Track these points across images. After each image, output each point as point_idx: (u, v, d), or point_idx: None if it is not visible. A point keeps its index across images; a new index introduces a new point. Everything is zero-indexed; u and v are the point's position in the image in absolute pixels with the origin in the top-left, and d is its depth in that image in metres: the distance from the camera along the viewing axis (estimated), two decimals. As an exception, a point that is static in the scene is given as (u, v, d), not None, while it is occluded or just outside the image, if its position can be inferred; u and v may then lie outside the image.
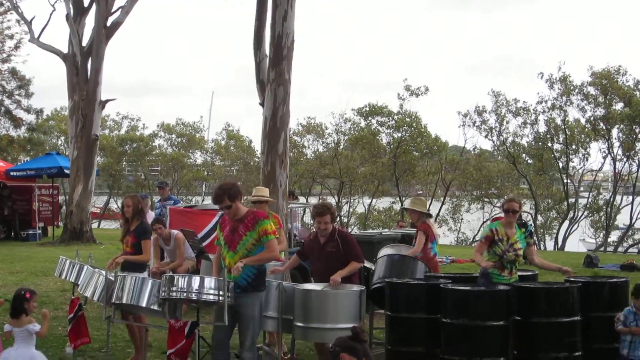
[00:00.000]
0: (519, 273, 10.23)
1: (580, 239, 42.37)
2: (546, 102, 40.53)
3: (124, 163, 56.64)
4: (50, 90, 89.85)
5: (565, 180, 42.35)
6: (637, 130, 39.04)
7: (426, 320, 9.30)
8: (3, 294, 9.31)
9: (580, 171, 43.54)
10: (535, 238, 34.07)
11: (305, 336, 9.38)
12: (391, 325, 9.57)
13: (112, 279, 9.19)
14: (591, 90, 39.25)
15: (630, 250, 39.84)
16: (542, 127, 41.54)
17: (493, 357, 8.80)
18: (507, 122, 41.89)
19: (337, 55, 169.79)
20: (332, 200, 41.95)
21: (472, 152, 45.48)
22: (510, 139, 42.20)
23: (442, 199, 45.42)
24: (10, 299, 9.02)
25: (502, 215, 10.12)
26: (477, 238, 40.02)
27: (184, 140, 57.53)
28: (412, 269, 10.59)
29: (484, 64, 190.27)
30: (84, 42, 30.68)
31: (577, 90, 39.52)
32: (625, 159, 40.67)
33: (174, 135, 57.78)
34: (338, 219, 42.96)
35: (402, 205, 42.54)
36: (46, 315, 8.79)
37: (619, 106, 39.19)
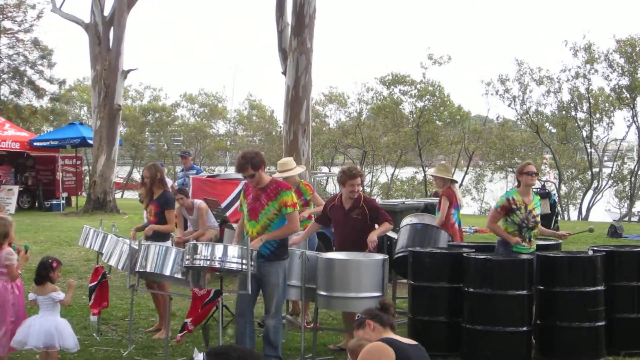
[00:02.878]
0: (543, 242, 10.20)
1: (605, 209, 42.07)
2: (570, 70, 40.18)
3: (147, 133, 56.79)
4: (73, 60, 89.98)
5: (589, 150, 42.03)
6: (662, 99, 38.71)
7: (448, 290, 9.30)
8: (27, 263, 9.34)
9: (604, 140, 43.23)
10: (558, 208, 33.84)
11: (328, 305, 9.39)
12: (413, 294, 9.57)
13: (136, 247, 9.22)
14: (616, 57, 38.85)
15: (655, 220, 39.58)
16: (565, 96, 41.19)
17: (515, 326, 8.80)
18: (531, 91, 41.57)
19: (358, 23, 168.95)
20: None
21: (495, 122, 45.23)
22: (533, 107, 41.88)
23: (465, 168, 45.28)
24: (34, 269, 9.07)
25: (518, 183, 9.97)
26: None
27: (206, 111, 57.56)
28: (435, 237, 10.57)
29: (508, 32, 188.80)
30: (106, 12, 30.64)
31: (601, 58, 39.12)
32: (650, 128, 40.31)
33: (196, 105, 57.84)
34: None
35: (424, 174, 42.50)
36: (72, 285, 8.84)
37: (644, 74, 38.75)
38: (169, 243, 10.03)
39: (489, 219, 10.05)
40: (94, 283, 10.18)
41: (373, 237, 9.50)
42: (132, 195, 49.54)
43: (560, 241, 11.13)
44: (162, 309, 10.61)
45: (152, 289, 10.36)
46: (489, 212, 11.43)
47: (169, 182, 15.99)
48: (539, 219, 9.79)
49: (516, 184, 10.00)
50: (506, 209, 9.69)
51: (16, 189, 29.84)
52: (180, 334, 8.95)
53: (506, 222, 9.73)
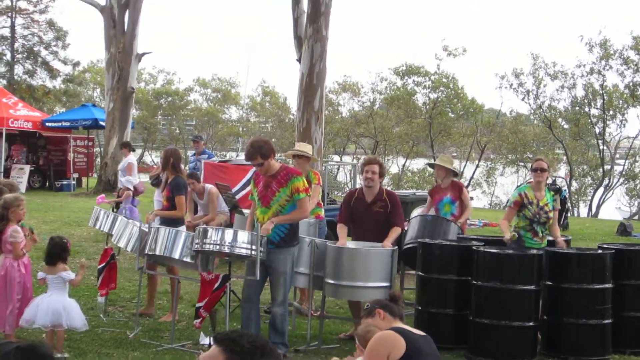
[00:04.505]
0: (552, 239, 10.18)
1: (616, 207, 41.94)
2: (585, 66, 40.02)
3: (159, 117, 56.90)
4: (87, 42, 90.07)
5: (601, 147, 41.88)
6: (676, 97, 38.52)
7: (457, 282, 9.30)
8: (39, 239, 9.39)
9: (617, 137, 43.05)
10: (569, 204, 33.80)
11: (336, 294, 9.41)
12: (422, 286, 9.57)
13: (146, 230, 9.23)
14: (631, 54, 38.67)
15: (665, 219, 39.45)
16: (579, 92, 41.04)
17: (522, 321, 8.80)
18: (545, 86, 41.45)
19: (373, 13, 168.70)
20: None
21: (508, 115, 45.13)
22: (547, 102, 41.76)
23: (476, 161, 45.20)
24: (43, 248, 9.10)
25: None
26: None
27: (219, 96, 57.60)
28: (445, 229, 10.54)
29: (523, 26, 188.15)
30: (122, -5, 30.67)
31: (617, 55, 38.94)
32: (663, 127, 40.16)
33: (209, 90, 57.87)
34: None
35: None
36: (84, 265, 8.88)
37: (659, 72, 38.59)
38: (182, 229, 9.99)
39: (504, 216, 10.14)
40: (103, 264, 10.21)
41: (388, 245, 9.46)
42: (143, 178, 49.58)
43: (570, 237, 11.13)
44: (152, 293, 10.68)
45: (153, 270, 10.38)
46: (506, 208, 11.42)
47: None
48: (551, 214, 9.80)
49: (528, 178, 10.01)
50: (519, 205, 9.72)
51: (27, 168, 29.93)
52: (197, 321, 8.92)
53: (518, 217, 9.76)
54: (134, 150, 18.90)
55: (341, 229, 10.04)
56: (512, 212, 9.86)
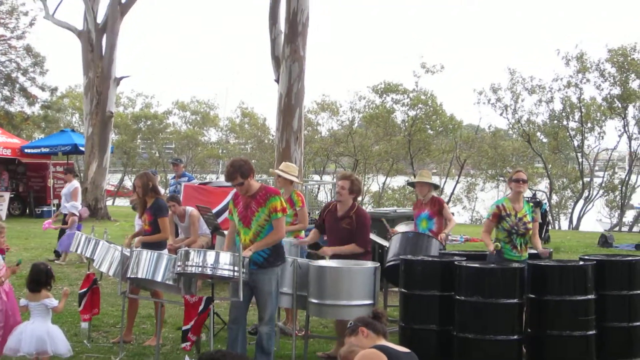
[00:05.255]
0: (534, 251, 10.22)
1: (597, 219, 42.18)
2: (562, 79, 40.32)
3: (139, 140, 56.81)
4: (65, 67, 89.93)
5: (580, 159, 42.16)
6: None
7: (440, 298, 9.29)
8: (17, 263, 9.33)
9: (595, 150, 43.40)
10: (549, 217, 33.92)
11: (320, 313, 9.40)
12: (405, 302, 9.56)
13: (128, 254, 9.21)
14: (608, 67, 38.96)
15: (646, 230, 39.67)
16: (557, 105, 41.38)
17: (506, 334, 8.80)
18: (523, 100, 41.75)
19: (351, 32, 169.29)
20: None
21: (487, 130, 45.32)
22: (525, 117, 42.03)
23: (456, 177, 45.35)
24: (24, 275, 9.05)
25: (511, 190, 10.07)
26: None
27: (198, 118, 57.61)
28: (427, 246, 10.56)
29: (500, 41, 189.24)
30: (99, 19, 30.69)
31: (593, 68, 39.24)
32: (641, 138, 40.43)
33: (188, 113, 57.87)
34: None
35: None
36: (66, 293, 8.81)
37: (635, 84, 38.91)
38: (165, 252, 9.96)
39: (483, 229, 10.15)
40: (85, 289, 10.17)
41: (327, 250, 9.56)
42: (123, 202, 49.48)
43: (552, 250, 11.17)
44: (132, 318, 10.63)
45: (135, 294, 10.33)
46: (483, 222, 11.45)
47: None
48: (530, 226, 9.87)
49: (507, 192, 10.06)
50: (497, 217, 9.79)
51: (7, 195, 29.79)
52: (187, 344, 8.83)
53: (497, 229, 9.82)
54: (77, 176, 18.94)
55: (313, 232, 10.35)
56: (490, 224, 9.91)
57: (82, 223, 17.50)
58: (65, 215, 17.74)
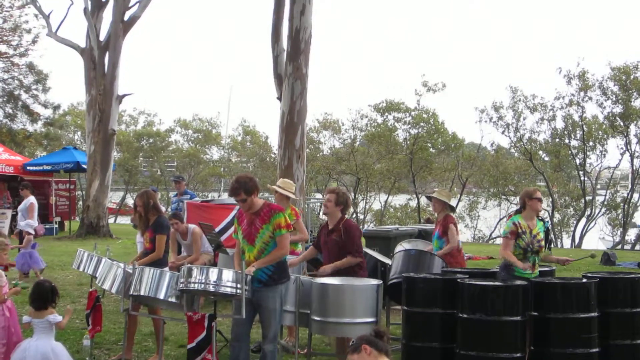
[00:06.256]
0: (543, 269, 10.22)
1: (599, 237, 42.12)
2: (564, 98, 40.35)
3: (140, 158, 56.86)
4: (67, 84, 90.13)
5: (582, 178, 42.15)
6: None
7: (442, 316, 9.27)
8: (21, 287, 9.32)
9: (597, 168, 43.35)
10: (552, 236, 33.91)
11: (322, 330, 9.37)
12: (407, 320, 9.54)
13: (130, 271, 9.20)
14: (610, 85, 38.98)
15: (648, 248, 39.60)
16: (559, 124, 41.40)
17: (509, 352, 8.78)
18: (524, 119, 41.78)
19: (354, 50, 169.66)
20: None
21: (489, 149, 45.35)
22: (527, 135, 42.06)
23: (458, 195, 45.34)
24: (26, 292, 9.03)
25: (522, 208, 10.03)
26: (497, 234, 40.28)
27: (200, 136, 57.66)
28: (429, 264, 10.57)
29: (502, 59, 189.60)
30: (102, 37, 30.81)
31: (595, 86, 39.26)
32: (643, 156, 40.41)
33: (190, 131, 57.94)
34: (354, 215, 42.90)
35: (418, 200, 42.47)
36: (70, 311, 8.80)
37: (637, 102, 38.90)
38: (166, 269, 9.95)
39: (502, 247, 10.07)
40: (89, 310, 10.13)
41: (326, 269, 9.58)
42: (125, 220, 49.47)
43: (554, 268, 11.17)
44: (132, 335, 10.56)
45: (136, 311, 10.30)
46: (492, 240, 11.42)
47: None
48: (542, 243, 9.87)
49: (517, 208, 10.04)
50: (515, 234, 9.74)
51: (9, 212, 29.76)
52: None
53: (512, 247, 9.78)
54: (33, 193, 18.89)
55: (309, 250, 10.42)
56: (509, 242, 9.83)
57: (38, 241, 17.33)
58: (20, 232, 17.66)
